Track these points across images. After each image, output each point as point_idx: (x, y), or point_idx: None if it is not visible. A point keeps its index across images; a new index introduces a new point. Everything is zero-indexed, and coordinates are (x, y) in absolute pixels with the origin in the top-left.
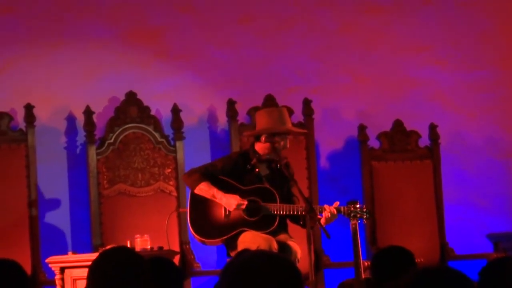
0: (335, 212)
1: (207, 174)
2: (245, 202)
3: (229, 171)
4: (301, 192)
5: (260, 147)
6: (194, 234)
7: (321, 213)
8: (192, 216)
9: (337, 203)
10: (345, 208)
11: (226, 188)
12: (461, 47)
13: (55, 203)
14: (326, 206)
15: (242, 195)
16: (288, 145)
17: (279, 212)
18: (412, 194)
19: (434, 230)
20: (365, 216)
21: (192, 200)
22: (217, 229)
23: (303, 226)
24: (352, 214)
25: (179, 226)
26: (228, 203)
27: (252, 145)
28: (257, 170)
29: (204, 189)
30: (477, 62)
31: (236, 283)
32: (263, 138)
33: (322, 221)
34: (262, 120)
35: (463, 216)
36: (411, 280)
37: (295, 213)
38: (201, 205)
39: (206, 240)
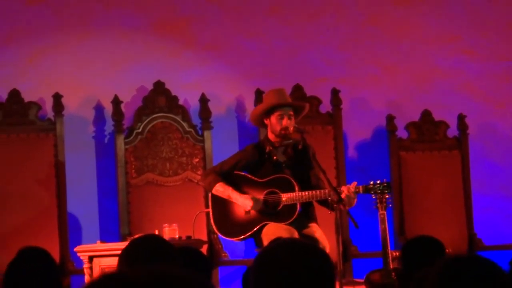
0: (351, 192)
1: (222, 173)
2: (261, 200)
3: (245, 164)
4: (327, 177)
5: (271, 134)
6: (220, 234)
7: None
8: (215, 216)
9: (355, 183)
10: (364, 186)
11: (243, 184)
12: (489, 37)
13: (83, 192)
14: (343, 187)
15: (260, 187)
16: (290, 123)
17: (299, 199)
18: (440, 185)
19: (462, 220)
20: (386, 191)
21: (213, 200)
22: (240, 226)
23: (331, 209)
24: (372, 191)
25: (207, 217)
26: (243, 203)
27: (266, 135)
28: (274, 157)
29: (220, 190)
30: (506, 52)
31: (268, 272)
32: (266, 120)
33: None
34: (263, 101)
35: (491, 206)
36: (441, 268)
37: (315, 198)
38: (222, 205)
39: (232, 239)
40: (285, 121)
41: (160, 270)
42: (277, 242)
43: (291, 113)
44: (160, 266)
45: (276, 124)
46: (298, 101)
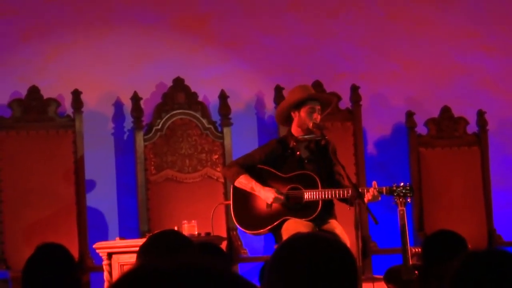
0: (377, 193)
1: (246, 166)
2: (282, 197)
3: (269, 159)
4: (346, 172)
5: (296, 129)
6: (239, 226)
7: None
8: (235, 209)
9: (375, 183)
10: (387, 188)
11: (266, 178)
12: (509, 33)
13: (102, 189)
14: (371, 189)
15: (283, 183)
16: (319, 118)
17: (322, 197)
18: (460, 181)
19: (482, 216)
20: (409, 194)
21: (234, 193)
22: (260, 219)
23: (350, 205)
24: (395, 194)
25: (226, 213)
26: (266, 196)
27: (289, 130)
28: (298, 153)
29: (243, 182)
30: None
31: (287, 265)
32: (294, 113)
33: (365, 199)
34: (289, 98)
35: (511, 203)
36: (462, 263)
37: (338, 196)
38: (243, 197)
39: (251, 232)
40: (315, 115)
41: (184, 260)
42: (297, 235)
43: (319, 108)
44: (183, 257)
45: (305, 117)
46: (328, 95)
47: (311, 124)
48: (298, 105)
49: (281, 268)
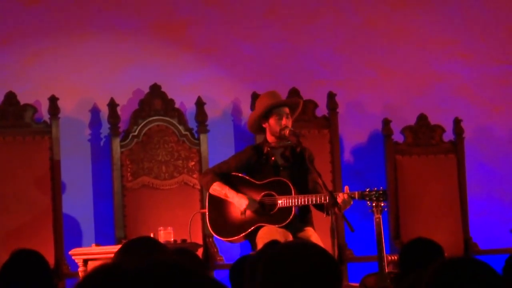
0: (348, 197)
1: (221, 173)
2: (257, 201)
3: (244, 166)
4: (322, 180)
5: (270, 137)
6: (214, 234)
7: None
8: (210, 216)
9: (347, 187)
10: (359, 192)
11: (241, 185)
12: (486, 41)
13: (78, 195)
14: (341, 194)
15: (257, 189)
16: (289, 121)
17: (295, 203)
18: (436, 189)
19: (458, 224)
20: (381, 198)
21: (210, 200)
22: (235, 227)
23: (327, 213)
24: (367, 198)
25: (202, 220)
26: (239, 203)
27: (264, 138)
28: (272, 158)
29: (217, 189)
30: (502, 56)
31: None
32: (265, 124)
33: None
34: (258, 106)
35: (487, 210)
36: (436, 270)
37: (312, 202)
38: (218, 205)
39: (226, 239)
40: (284, 121)
41: (154, 259)
42: (281, 245)
43: (288, 111)
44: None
45: (275, 125)
46: (292, 98)
47: (287, 132)
48: (265, 115)
49: (270, 279)
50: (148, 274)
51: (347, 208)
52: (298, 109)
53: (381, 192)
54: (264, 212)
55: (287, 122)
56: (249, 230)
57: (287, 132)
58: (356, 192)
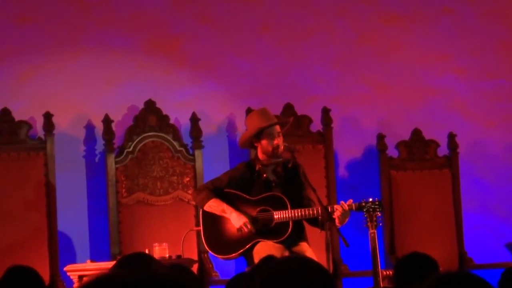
0: (347, 208)
1: (215, 189)
2: (254, 218)
3: (237, 182)
4: (317, 195)
5: (261, 155)
6: (211, 251)
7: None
8: (206, 234)
9: (342, 202)
10: (357, 204)
11: (235, 201)
12: (480, 56)
13: (73, 212)
14: (337, 206)
15: (252, 205)
16: (280, 140)
17: (292, 216)
18: (431, 204)
19: (453, 239)
20: (378, 209)
21: (204, 218)
22: (231, 244)
23: (321, 229)
24: (364, 209)
25: (197, 236)
26: (235, 221)
27: (256, 155)
28: (264, 175)
29: (214, 206)
30: (496, 71)
31: None
32: (257, 143)
33: (337, 222)
34: (249, 125)
35: (481, 225)
36: (432, 285)
37: (308, 216)
38: (213, 222)
39: (223, 257)
40: (276, 140)
41: (149, 271)
42: (278, 260)
43: (279, 130)
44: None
45: (267, 145)
46: (282, 118)
47: (281, 149)
48: (257, 135)
49: None
50: (144, 285)
51: (344, 224)
52: (288, 123)
53: (377, 202)
54: (261, 228)
55: (279, 141)
56: (247, 247)
57: (280, 150)
58: (353, 204)
